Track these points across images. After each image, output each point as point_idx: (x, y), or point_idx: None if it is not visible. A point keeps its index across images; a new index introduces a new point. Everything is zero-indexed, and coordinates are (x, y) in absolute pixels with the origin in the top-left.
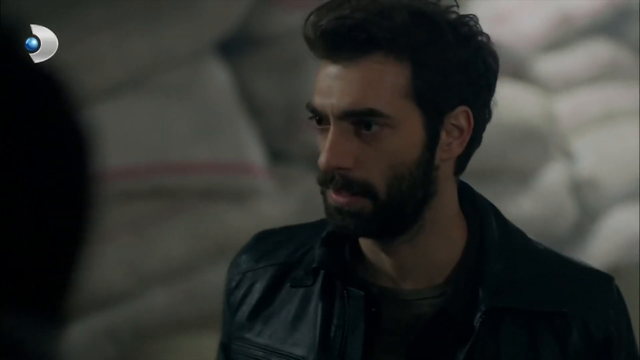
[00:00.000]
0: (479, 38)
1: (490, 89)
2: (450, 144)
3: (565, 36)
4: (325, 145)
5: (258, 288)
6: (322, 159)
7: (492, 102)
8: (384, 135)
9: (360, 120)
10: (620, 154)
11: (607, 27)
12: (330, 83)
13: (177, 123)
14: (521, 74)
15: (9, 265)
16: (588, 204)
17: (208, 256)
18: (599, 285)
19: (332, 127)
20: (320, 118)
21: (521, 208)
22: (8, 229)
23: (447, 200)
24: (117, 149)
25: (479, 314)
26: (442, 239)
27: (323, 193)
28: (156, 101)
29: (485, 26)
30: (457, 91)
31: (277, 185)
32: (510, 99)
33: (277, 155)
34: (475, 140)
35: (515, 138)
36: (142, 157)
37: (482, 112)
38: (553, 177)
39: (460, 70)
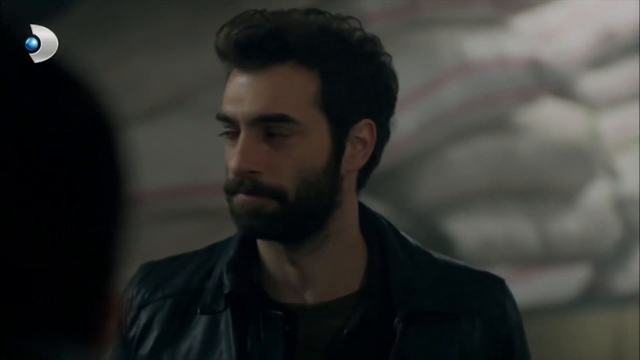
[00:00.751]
0: (382, 57)
1: (391, 108)
2: (354, 156)
3: (609, 53)
4: (235, 151)
5: (158, 321)
6: (233, 163)
7: (390, 123)
8: (293, 141)
9: (271, 125)
10: None
11: None
12: (241, 91)
13: (218, 143)
14: (565, 92)
15: (42, 290)
16: (632, 222)
17: None
18: (495, 285)
19: (242, 133)
20: (228, 128)
21: (565, 226)
22: (42, 252)
23: (350, 212)
24: (159, 170)
25: (397, 319)
26: (347, 251)
27: (229, 200)
28: (197, 121)
29: (530, 44)
30: (362, 103)
31: None
32: (554, 117)
33: None
34: (374, 158)
35: (560, 156)
36: (185, 178)
37: (383, 129)
38: (597, 195)
39: (366, 83)
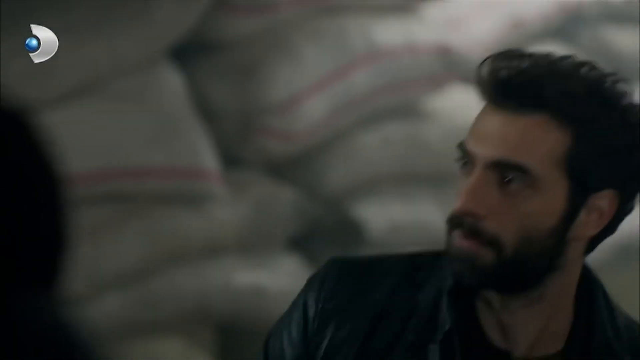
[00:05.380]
0: None
1: (639, 181)
2: (587, 224)
3: (517, 41)
4: (464, 187)
5: (353, 337)
6: (459, 202)
7: (637, 197)
8: (525, 194)
9: (507, 173)
10: None
11: (559, 31)
12: (488, 129)
13: (132, 129)
14: (473, 79)
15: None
16: None
17: (162, 261)
18: None
19: (476, 172)
20: (467, 160)
21: None
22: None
23: (571, 276)
24: (72, 155)
25: None
26: (561, 312)
27: (448, 234)
28: (111, 107)
29: (439, 31)
30: (610, 174)
31: (231, 190)
32: (462, 104)
33: (231, 161)
34: (610, 228)
35: None
36: (97, 163)
37: (628, 202)
38: None
39: (619, 154)
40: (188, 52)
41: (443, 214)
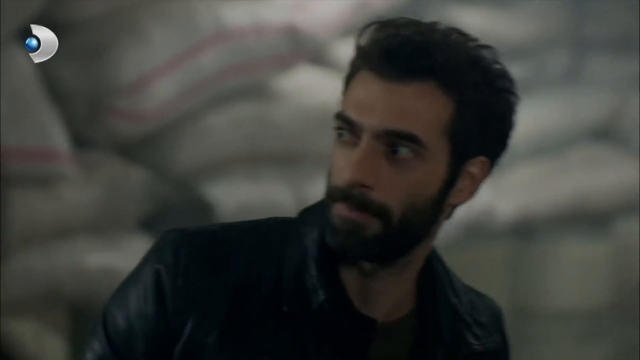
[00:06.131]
0: (514, 97)
1: (506, 148)
2: (462, 190)
3: (363, 21)
4: (349, 160)
5: (221, 310)
6: (348, 174)
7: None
8: (413, 164)
9: (396, 142)
10: None
11: (405, 11)
12: (373, 98)
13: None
14: (321, 59)
15: None
16: None
17: (13, 243)
18: (503, 319)
19: (364, 143)
20: (345, 130)
21: (321, 191)
22: None
23: (432, 242)
24: None
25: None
26: (415, 275)
27: (330, 207)
28: None
29: (286, 12)
30: (486, 140)
31: (82, 171)
32: (310, 84)
33: (81, 142)
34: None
35: (315, 122)
36: None
37: (494, 168)
38: None
39: (495, 121)
40: None
41: (292, 193)
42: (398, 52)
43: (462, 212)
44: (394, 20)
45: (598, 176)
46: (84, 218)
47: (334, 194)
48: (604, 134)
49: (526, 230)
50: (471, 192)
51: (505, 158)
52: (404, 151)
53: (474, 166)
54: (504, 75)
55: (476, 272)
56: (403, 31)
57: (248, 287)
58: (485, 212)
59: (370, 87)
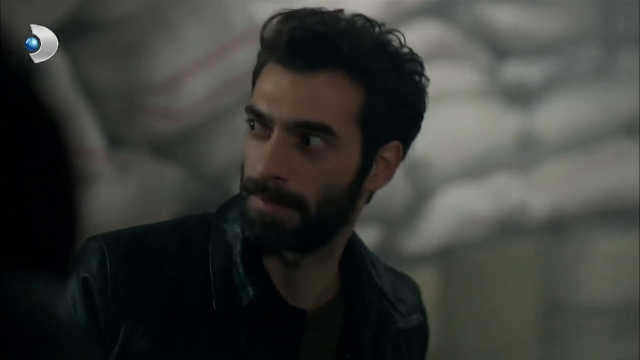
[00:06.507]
0: (423, 80)
1: (419, 131)
2: (377, 175)
3: (395, 17)
4: (262, 152)
5: (152, 314)
6: (261, 167)
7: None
8: (326, 153)
9: (308, 133)
10: (453, 134)
11: (436, 8)
12: (282, 91)
13: None
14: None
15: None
16: (421, 185)
17: None
18: (421, 295)
19: (275, 136)
20: (256, 123)
21: None
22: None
23: (353, 227)
24: None
25: (369, 331)
26: (337, 260)
27: (245, 198)
28: None
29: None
30: (398, 125)
31: (116, 170)
32: None
33: (115, 141)
34: (390, 177)
35: None
36: None
37: (407, 151)
38: None
39: (406, 106)
40: (70, 33)
41: None
42: (303, 43)
43: (495, 209)
44: (297, 11)
45: (630, 171)
46: (118, 216)
47: (248, 186)
48: (636, 128)
49: (559, 226)
50: (387, 177)
51: (537, 154)
52: (316, 141)
53: (387, 151)
54: (412, 59)
55: (509, 268)
56: (307, 22)
57: (177, 289)
58: (518, 208)
59: (278, 79)
